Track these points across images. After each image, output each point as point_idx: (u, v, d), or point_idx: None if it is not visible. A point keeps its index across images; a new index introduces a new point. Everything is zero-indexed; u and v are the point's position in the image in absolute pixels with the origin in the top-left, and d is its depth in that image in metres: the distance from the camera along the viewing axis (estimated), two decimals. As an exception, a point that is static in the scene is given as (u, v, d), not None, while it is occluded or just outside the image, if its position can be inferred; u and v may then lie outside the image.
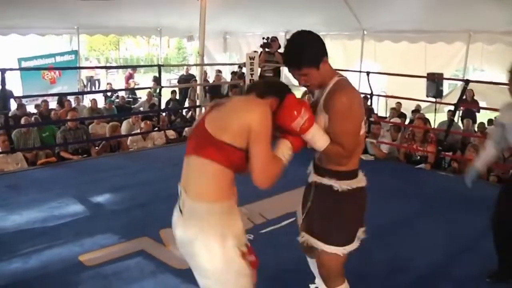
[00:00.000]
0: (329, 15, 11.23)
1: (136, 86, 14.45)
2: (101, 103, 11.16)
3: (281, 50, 8.32)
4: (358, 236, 2.20)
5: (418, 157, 6.40)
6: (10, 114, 7.54)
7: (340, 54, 11.99)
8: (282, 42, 8.43)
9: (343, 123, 1.99)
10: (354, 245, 2.19)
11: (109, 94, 12.38)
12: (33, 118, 8.34)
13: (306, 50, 2.04)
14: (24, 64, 11.81)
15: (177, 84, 14.14)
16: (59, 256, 3.41)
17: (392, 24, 10.38)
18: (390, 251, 3.64)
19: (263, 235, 3.85)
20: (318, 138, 2.03)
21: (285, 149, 2.05)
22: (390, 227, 4.09)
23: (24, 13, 10.15)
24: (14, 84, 9.61)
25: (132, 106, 11.91)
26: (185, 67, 15.23)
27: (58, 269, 3.22)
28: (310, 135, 2.01)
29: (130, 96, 13.00)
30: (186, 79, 13.45)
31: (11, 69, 6.49)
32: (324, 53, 2.11)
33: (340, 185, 2.13)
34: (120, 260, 3.33)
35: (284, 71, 11.63)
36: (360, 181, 2.17)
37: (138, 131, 7.74)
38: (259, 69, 7.62)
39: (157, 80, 9.11)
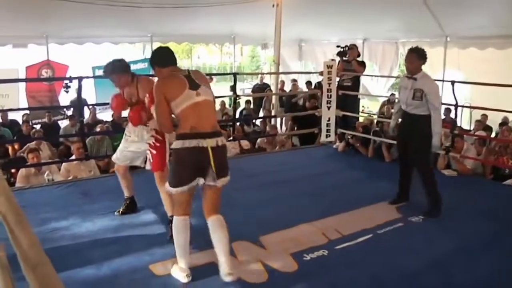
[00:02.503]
0: (409, 21, 10.96)
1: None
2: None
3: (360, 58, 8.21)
4: (190, 184, 3.12)
5: (507, 171, 6.08)
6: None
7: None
8: (361, 50, 8.33)
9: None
10: (182, 189, 3.14)
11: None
12: (105, 127, 8.73)
13: None
14: (98, 73, 11.89)
15: (251, 93, 14.24)
16: (130, 264, 3.53)
17: (478, 29, 9.90)
18: (475, 272, 3.49)
19: (338, 251, 3.80)
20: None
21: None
22: (475, 247, 3.92)
23: (98, 22, 10.71)
24: (88, 92, 9.95)
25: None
26: (259, 75, 15.29)
27: (129, 278, 3.33)
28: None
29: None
30: (261, 88, 13.54)
31: (87, 77, 6.76)
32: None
33: (174, 144, 3.15)
34: (191, 270, 3.39)
35: (363, 80, 11.51)
36: (185, 143, 3.07)
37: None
38: (338, 78, 7.54)
39: (233, 89, 9.25)
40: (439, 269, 3.52)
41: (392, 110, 5.58)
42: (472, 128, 9.11)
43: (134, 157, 4.36)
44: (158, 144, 4.05)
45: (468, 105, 9.47)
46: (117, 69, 4.15)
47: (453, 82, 6.36)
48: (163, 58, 3.33)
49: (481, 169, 6.42)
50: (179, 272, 3.29)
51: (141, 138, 4.17)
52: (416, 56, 4.60)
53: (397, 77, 11.72)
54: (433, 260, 3.67)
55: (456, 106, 6.57)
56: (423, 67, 4.63)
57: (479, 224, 4.44)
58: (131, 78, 4.24)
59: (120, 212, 4.58)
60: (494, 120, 9.34)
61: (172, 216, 3.65)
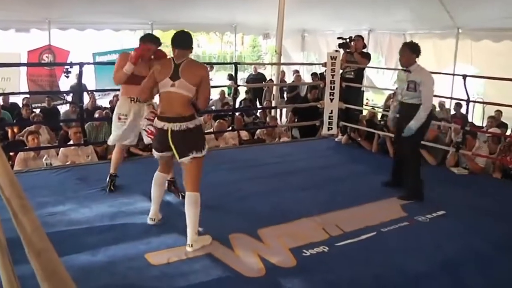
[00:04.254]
0: (418, 11, 10.85)
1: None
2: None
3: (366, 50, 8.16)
4: (161, 153, 3.77)
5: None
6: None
7: (431, 55, 11.46)
8: (366, 41, 8.26)
9: None
10: (156, 153, 3.83)
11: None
12: (104, 113, 8.77)
13: None
14: (98, 59, 12.31)
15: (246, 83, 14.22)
16: (126, 252, 3.53)
17: (492, 21, 9.73)
18: (486, 275, 3.47)
19: (339, 248, 3.77)
20: None
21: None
22: (485, 248, 3.89)
23: (100, 9, 10.87)
24: (88, 78, 10.16)
25: (204, 105, 12.13)
26: (253, 66, 15.27)
27: (125, 265, 3.32)
28: None
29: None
30: (255, 79, 13.56)
31: (88, 63, 6.87)
32: None
33: None
34: (187, 262, 3.39)
35: (367, 72, 11.48)
36: (156, 122, 3.68)
37: (211, 130, 7.87)
38: (341, 71, 7.50)
39: (233, 78, 9.21)
40: (447, 271, 3.46)
41: (393, 103, 5.75)
42: (485, 125, 9.02)
43: (128, 135, 4.70)
44: None
45: (481, 100, 9.38)
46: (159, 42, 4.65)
47: (464, 76, 6.29)
48: (173, 39, 3.71)
49: (493, 168, 6.37)
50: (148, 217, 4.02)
51: (138, 115, 4.59)
52: (409, 50, 4.95)
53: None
54: (441, 262, 3.60)
55: (468, 101, 6.50)
56: (428, 63, 4.81)
57: (489, 225, 4.36)
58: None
59: (109, 189, 4.85)
60: (509, 117, 9.12)
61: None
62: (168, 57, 4.14)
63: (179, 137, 3.57)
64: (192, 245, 3.58)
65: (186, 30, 3.98)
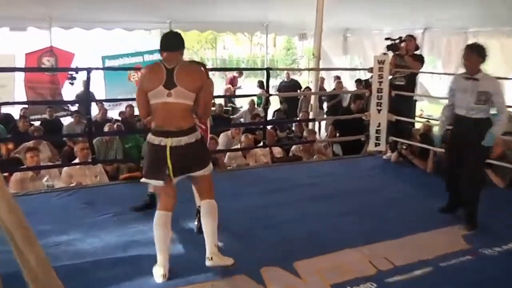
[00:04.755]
0: (481, 7, 10.60)
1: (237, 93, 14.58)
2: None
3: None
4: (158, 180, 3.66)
5: None
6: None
7: (497, 56, 11.24)
8: (420, 42, 8.16)
9: None
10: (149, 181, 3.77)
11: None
12: (115, 126, 8.81)
13: None
14: (108, 63, 12.25)
15: (278, 92, 14.16)
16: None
17: None
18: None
19: (389, 285, 3.71)
20: None
21: None
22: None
23: (110, 4, 10.65)
24: (96, 85, 10.11)
25: (231, 117, 12.23)
26: (285, 72, 15.20)
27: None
28: None
29: (229, 104, 13.28)
30: (288, 87, 13.52)
31: (97, 69, 6.93)
32: None
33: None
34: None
35: (420, 78, 11.32)
36: (151, 138, 3.65)
37: (238, 146, 7.88)
38: (390, 77, 7.45)
39: (263, 86, 9.21)
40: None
41: (440, 116, 5.48)
42: None
43: None
44: None
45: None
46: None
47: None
48: (161, 42, 3.79)
49: None
50: (156, 269, 3.71)
51: None
52: (476, 54, 4.71)
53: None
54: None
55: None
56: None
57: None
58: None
59: (135, 208, 4.96)
60: None
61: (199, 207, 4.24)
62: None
63: (178, 155, 3.59)
64: (212, 258, 3.63)
65: (176, 30, 4.25)
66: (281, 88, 13.87)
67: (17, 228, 1.33)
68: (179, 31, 11.89)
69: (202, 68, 3.93)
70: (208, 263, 3.61)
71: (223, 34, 24.96)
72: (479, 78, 4.69)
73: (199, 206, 4.26)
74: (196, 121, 4.22)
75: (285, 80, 14.30)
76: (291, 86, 13.53)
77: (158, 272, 3.66)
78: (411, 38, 7.73)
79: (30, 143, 7.54)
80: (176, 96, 3.56)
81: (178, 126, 3.58)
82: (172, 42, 3.76)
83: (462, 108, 4.84)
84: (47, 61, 11.45)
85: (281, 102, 12.53)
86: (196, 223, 4.50)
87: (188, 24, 12.69)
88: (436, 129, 5.73)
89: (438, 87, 13.10)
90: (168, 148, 3.55)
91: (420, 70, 7.96)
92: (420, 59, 7.67)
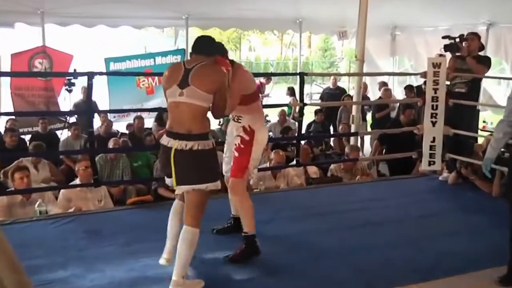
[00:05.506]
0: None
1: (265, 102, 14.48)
2: (214, 124, 11.54)
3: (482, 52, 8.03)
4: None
5: None
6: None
7: None
8: (484, 40, 8.09)
9: None
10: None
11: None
12: (121, 141, 8.73)
13: None
14: (113, 67, 12.13)
15: (320, 101, 14.14)
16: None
17: None
18: None
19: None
20: None
21: None
22: None
23: None
24: (99, 92, 9.60)
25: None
26: (331, 77, 15.14)
27: None
28: None
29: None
30: (334, 95, 13.48)
31: (100, 73, 6.83)
32: None
33: None
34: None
35: (484, 84, 11.23)
36: (162, 139, 4.04)
37: (267, 165, 7.91)
38: (447, 82, 7.43)
39: (295, 94, 9.21)
40: None
41: (495, 134, 5.09)
42: None
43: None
44: (242, 146, 4.61)
45: None
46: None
47: None
48: (193, 44, 4.13)
49: None
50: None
51: (230, 135, 4.91)
52: None
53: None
54: None
55: None
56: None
57: None
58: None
59: (216, 230, 5.23)
60: None
61: (246, 233, 4.60)
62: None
63: (180, 159, 3.86)
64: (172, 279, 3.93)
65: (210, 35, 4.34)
66: (324, 96, 13.84)
67: (9, 271, 1.29)
68: (197, 29, 12.08)
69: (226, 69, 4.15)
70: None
71: (249, 32, 25.05)
72: None
73: (245, 233, 4.61)
74: (240, 129, 4.58)
75: (331, 86, 14.25)
76: (336, 93, 13.45)
77: (163, 255, 4.22)
78: (474, 36, 7.68)
79: (20, 162, 7.36)
80: (188, 95, 3.83)
81: (187, 128, 3.84)
82: (204, 46, 4.06)
83: None
84: (39, 64, 11.35)
85: (316, 113, 12.49)
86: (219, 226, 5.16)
87: (208, 21, 12.67)
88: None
89: (506, 94, 13.02)
90: (172, 151, 3.84)
91: (485, 75, 7.90)
92: (486, 62, 7.58)
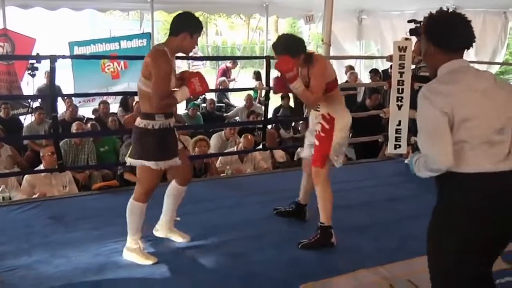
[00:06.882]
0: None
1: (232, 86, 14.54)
2: (181, 109, 11.47)
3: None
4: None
5: None
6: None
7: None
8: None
9: None
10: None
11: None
12: (90, 125, 8.79)
13: None
14: (78, 51, 11.96)
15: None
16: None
17: None
18: None
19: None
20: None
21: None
22: None
23: None
24: (63, 77, 9.71)
25: (225, 114, 12.27)
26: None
27: None
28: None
29: (223, 99, 13.27)
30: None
31: (63, 57, 6.70)
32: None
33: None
34: None
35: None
36: None
37: (234, 149, 7.90)
38: (413, 66, 7.47)
39: (261, 78, 9.20)
40: None
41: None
42: None
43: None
44: (323, 134, 4.64)
45: None
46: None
47: None
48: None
49: None
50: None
51: (311, 122, 4.97)
52: None
53: (503, 64, 11.35)
54: None
55: None
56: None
57: None
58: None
59: (277, 212, 5.45)
60: None
61: (322, 223, 4.65)
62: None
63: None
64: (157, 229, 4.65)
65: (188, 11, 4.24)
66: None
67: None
68: (162, 12, 11.95)
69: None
70: None
71: (215, 16, 24.92)
72: None
73: (322, 223, 4.65)
74: (319, 117, 4.67)
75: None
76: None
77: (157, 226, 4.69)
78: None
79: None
80: (139, 79, 4.04)
81: (142, 109, 4.12)
82: (172, 25, 4.10)
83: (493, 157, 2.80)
84: (0, 47, 11.11)
85: (282, 98, 12.49)
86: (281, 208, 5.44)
87: (174, 5, 12.44)
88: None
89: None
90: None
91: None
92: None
